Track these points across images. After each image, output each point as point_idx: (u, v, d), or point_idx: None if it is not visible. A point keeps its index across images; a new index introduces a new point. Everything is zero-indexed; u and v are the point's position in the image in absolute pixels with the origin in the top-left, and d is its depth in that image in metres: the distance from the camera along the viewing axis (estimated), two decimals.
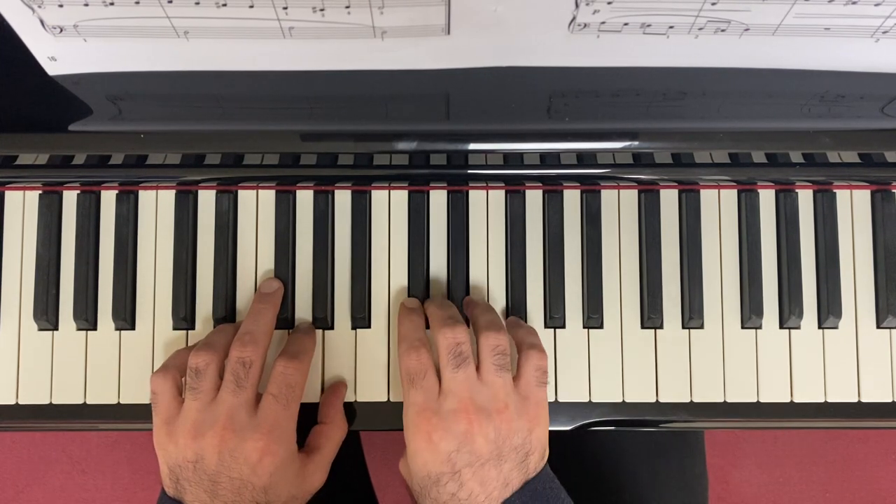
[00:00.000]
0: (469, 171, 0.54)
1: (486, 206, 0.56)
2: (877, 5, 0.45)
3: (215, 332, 0.52)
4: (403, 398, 0.49)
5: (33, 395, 0.55)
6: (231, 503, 0.46)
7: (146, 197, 0.56)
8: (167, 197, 0.56)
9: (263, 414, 0.48)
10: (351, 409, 0.55)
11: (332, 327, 0.55)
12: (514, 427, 0.46)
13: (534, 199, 0.56)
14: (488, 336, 0.49)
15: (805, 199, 0.56)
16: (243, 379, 0.48)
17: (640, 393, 0.55)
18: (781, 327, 0.55)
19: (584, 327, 0.55)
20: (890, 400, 0.55)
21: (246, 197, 0.56)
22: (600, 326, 0.55)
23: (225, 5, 0.44)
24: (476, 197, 0.56)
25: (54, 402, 0.55)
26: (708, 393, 0.55)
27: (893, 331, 0.56)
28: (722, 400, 0.55)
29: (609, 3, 0.45)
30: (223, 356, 0.50)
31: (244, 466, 0.46)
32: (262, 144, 0.52)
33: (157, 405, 0.49)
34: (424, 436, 0.46)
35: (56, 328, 0.55)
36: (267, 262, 0.56)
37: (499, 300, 0.56)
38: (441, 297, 0.55)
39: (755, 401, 0.55)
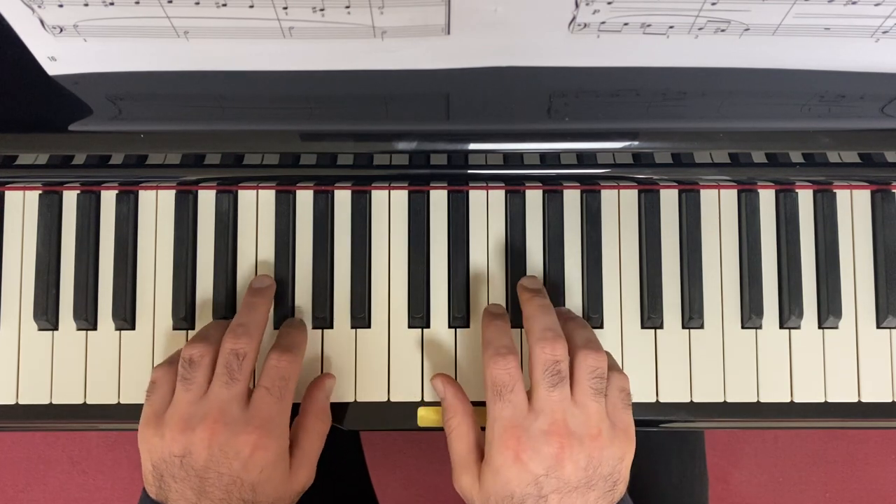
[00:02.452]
0: (469, 171, 0.54)
1: (486, 206, 0.56)
2: (877, 5, 0.45)
3: (211, 326, 0.52)
4: (487, 408, 0.47)
5: (33, 395, 0.55)
6: (219, 501, 0.44)
7: (146, 197, 0.56)
8: (167, 197, 0.56)
9: (256, 407, 0.47)
10: (351, 409, 0.55)
11: (331, 327, 0.55)
12: (605, 455, 0.44)
13: (534, 199, 0.56)
14: (587, 356, 0.46)
15: (805, 199, 0.56)
16: (236, 371, 0.47)
17: (640, 393, 0.55)
18: (781, 327, 0.55)
19: None
20: (890, 400, 0.55)
21: (246, 197, 0.56)
22: (600, 326, 0.55)
23: (225, 5, 0.44)
24: (476, 197, 0.56)
25: (54, 402, 0.55)
26: (708, 393, 0.55)
27: (893, 331, 0.56)
28: (722, 400, 0.55)
29: (609, 3, 0.45)
30: (218, 349, 0.49)
31: (235, 461, 0.44)
32: (262, 144, 0.52)
33: (151, 394, 0.48)
34: (512, 454, 0.44)
35: (56, 328, 0.55)
36: (267, 262, 0.56)
37: (499, 300, 0.55)
38: (541, 297, 0.51)
39: (755, 401, 0.55)
